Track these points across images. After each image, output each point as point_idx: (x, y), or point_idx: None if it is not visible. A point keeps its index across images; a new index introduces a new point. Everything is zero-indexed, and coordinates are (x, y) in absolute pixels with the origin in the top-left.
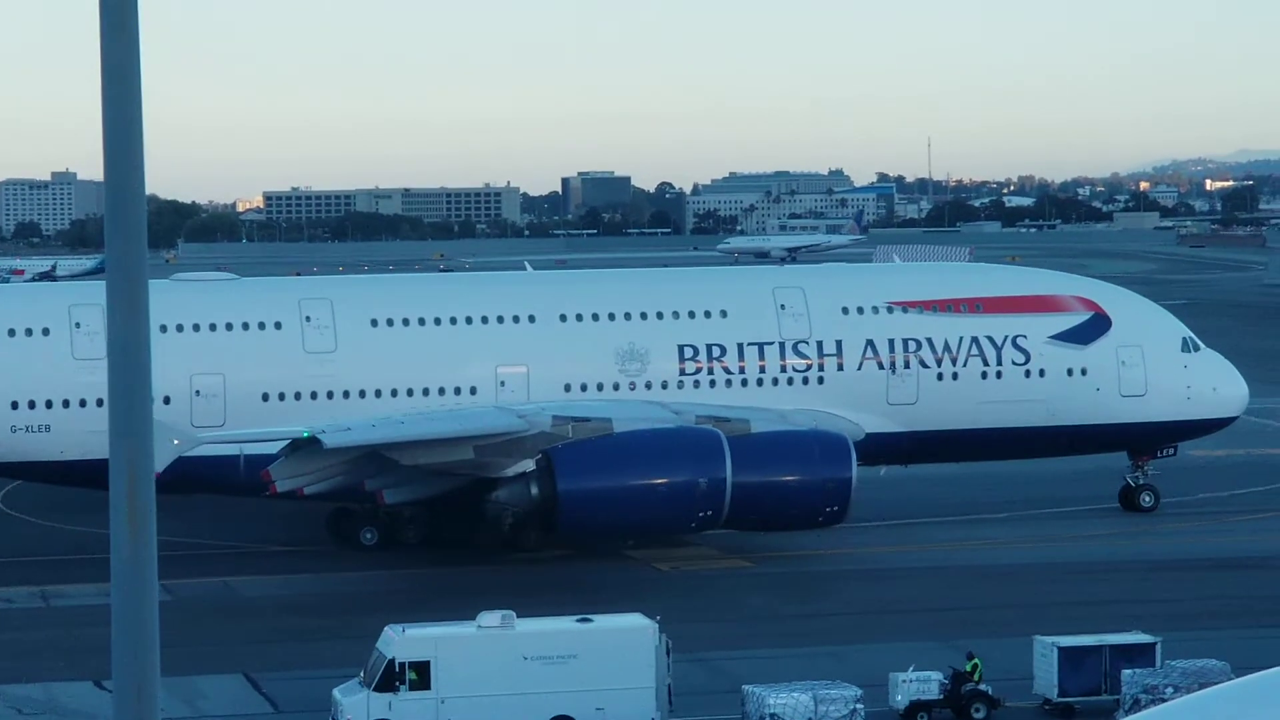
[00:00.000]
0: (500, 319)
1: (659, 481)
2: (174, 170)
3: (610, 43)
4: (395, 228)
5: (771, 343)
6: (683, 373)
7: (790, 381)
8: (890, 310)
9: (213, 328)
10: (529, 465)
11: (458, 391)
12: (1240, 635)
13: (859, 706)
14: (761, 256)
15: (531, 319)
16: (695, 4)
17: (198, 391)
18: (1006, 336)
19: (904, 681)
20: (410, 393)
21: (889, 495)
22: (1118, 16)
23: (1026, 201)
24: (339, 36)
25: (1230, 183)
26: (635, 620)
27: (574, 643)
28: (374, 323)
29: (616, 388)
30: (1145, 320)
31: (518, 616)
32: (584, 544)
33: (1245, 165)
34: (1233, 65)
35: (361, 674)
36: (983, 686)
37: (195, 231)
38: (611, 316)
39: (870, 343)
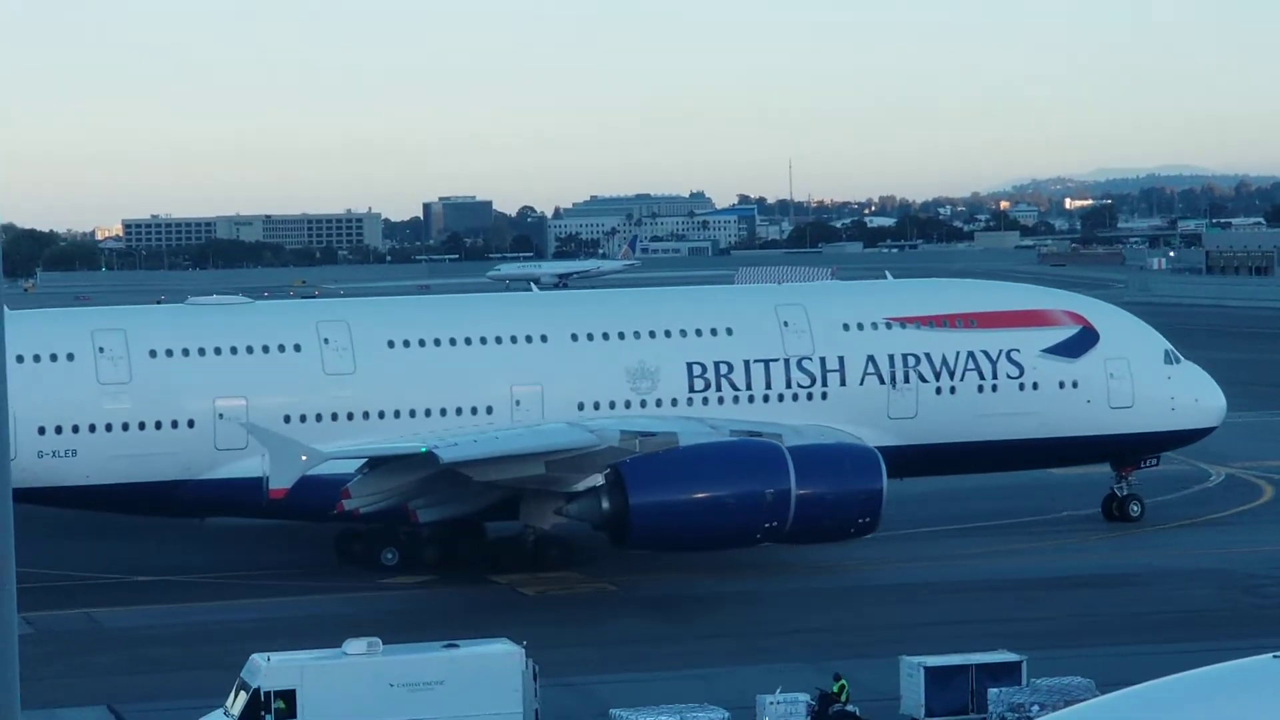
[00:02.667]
0: (514, 339)
1: (727, 493)
2: (31, 199)
3: (470, 66)
4: (257, 255)
5: (776, 359)
6: (692, 389)
7: (795, 397)
8: (889, 326)
9: (234, 351)
10: (597, 480)
11: (474, 411)
12: (1104, 652)
13: None
14: (533, 283)
15: (544, 339)
16: (554, 26)
17: (221, 415)
18: (1001, 350)
19: (771, 703)
20: (429, 413)
21: None
22: (975, 38)
23: (888, 222)
24: (196, 62)
25: (1089, 202)
26: (502, 646)
27: (441, 669)
28: (390, 344)
29: (628, 405)
30: (1130, 333)
31: (385, 644)
32: (653, 553)
33: (1104, 184)
34: (1091, 85)
35: (227, 703)
36: (850, 707)
37: (54, 260)
38: (621, 335)
39: (871, 358)
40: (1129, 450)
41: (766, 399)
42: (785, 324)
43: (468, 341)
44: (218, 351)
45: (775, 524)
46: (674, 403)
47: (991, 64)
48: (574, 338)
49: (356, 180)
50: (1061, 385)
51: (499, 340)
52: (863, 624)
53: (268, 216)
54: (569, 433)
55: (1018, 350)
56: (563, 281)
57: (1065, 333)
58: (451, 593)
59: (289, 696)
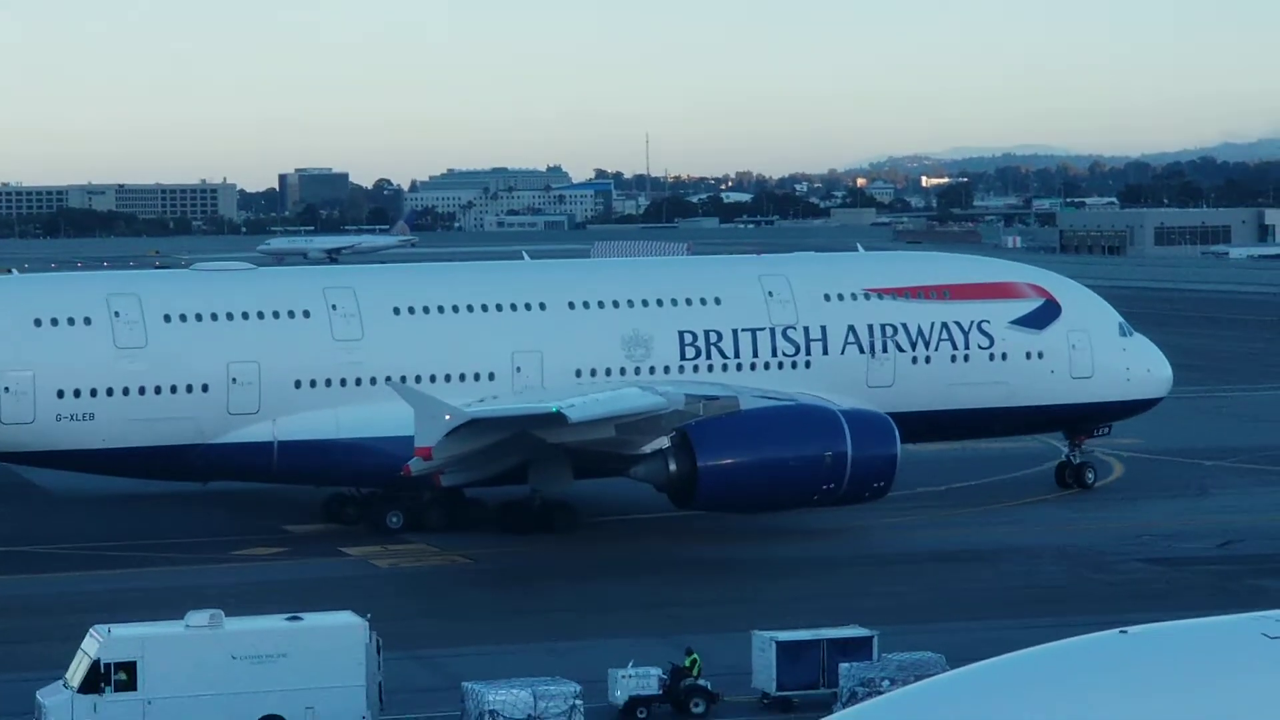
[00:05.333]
0: (514, 307)
1: (790, 456)
2: None
3: (329, 39)
4: (109, 224)
5: (763, 328)
6: (683, 357)
7: (780, 366)
8: (868, 297)
9: (245, 316)
10: (661, 443)
11: (476, 377)
12: (955, 627)
13: (578, 703)
14: (302, 258)
15: (543, 307)
16: (410, 2)
17: (234, 379)
18: (973, 322)
19: (623, 677)
20: (433, 378)
21: (613, 489)
22: (834, 18)
23: (745, 197)
24: (48, 33)
25: (946, 180)
26: (345, 618)
27: (283, 641)
28: (396, 311)
29: (623, 372)
30: (1088, 306)
31: (232, 616)
32: (717, 514)
33: (960, 162)
34: (948, 65)
35: (68, 675)
36: (701, 681)
37: None
38: (616, 304)
39: (851, 328)
40: (1087, 419)
41: (754, 367)
42: (770, 294)
43: (470, 309)
44: (229, 317)
45: (832, 486)
46: (666, 370)
47: (848, 43)
48: (571, 306)
49: (212, 151)
50: (1028, 356)
51: (499, 308)
52: (716, 598)
53: (121, 186)
54: (653, 396)
55: (988, 321)
56: (332, 256)
57: (1031, 305)
58: (304, 565)
59: (129, 668)
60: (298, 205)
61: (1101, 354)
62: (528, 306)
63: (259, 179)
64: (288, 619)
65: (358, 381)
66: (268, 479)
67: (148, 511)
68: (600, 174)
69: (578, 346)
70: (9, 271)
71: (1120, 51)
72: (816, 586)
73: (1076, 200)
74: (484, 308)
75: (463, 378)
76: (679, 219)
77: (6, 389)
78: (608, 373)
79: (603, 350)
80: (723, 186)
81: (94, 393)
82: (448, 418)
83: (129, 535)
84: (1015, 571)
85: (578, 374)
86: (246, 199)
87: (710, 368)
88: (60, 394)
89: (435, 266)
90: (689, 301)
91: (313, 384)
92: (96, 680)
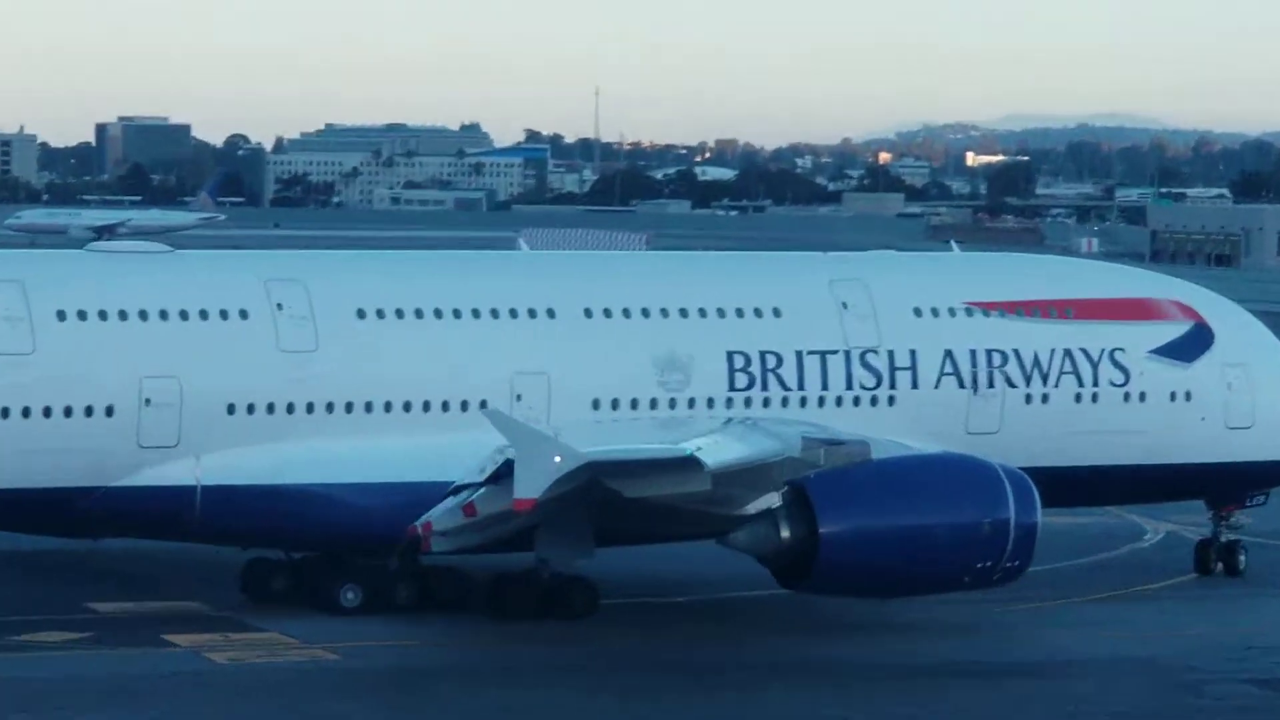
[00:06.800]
0: (514, 313)
1: (939, 523)
2: None
3: None
4: None
5: (835, 351)
6: (732, 386)
7: (857, 401)
8: (969, 313)
9: (163, 316)
10: (773, 501)
11: (464, 406)
12: None
13: None
14: (58, 234)
15: (551, 314)
16: None
17: (147, 400)
18: (1103, 349)
19: None
20: (407, 407)
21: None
22: None
23: (727, 174)
24: None
25: (999, 157)
26: None
27: None
28: (361, 314)
29: (654, 404)
30: (1246, 334)
31: None
32: (837, 596)
33: (1019, 135)
34: (1004, 5)
35: None
36: None
37: None
38: (646, 313)
39: (949, 354)
40: (1245, 484)
41: (822, 401)
42: (844, 306)
43: (456, 314)
44: (143, 316)
45: (988, 564)
46: (710, 403)
47: None
48: (588, 314)
49: (7, 93)
50: (1173, 397)
51: (495, 314)
52: (693, 715)
53: None
54: (767, 438)
55: (1122, 350)
56: (103, 235)
57: (1177, 329)
58: (112, 657)
59: None
60: (121, 165)
61: (1265, 397)
62: (531, 313)
63: (69, 130)
64: None
65: (309, 407)
66: (186, 536)
67: None
68: (532, 136)
69: (596, 368)
70: None
71: None
72: (820, 703)
73: (1175, 190)
74: (474, 313)
75: (446, 406)
76: (637, 200)
77: None
78: (634, 404)
79: (628, 374)
80: (698, 158)
81: None
82: (558, 459)
83: None
84: (1085, 692)
85: (595, 404)
86: (51, 155)
87: (766, 401)
88: None
89: (412, 256)
90: (740, 313)
91: (250, 409)
92: None
